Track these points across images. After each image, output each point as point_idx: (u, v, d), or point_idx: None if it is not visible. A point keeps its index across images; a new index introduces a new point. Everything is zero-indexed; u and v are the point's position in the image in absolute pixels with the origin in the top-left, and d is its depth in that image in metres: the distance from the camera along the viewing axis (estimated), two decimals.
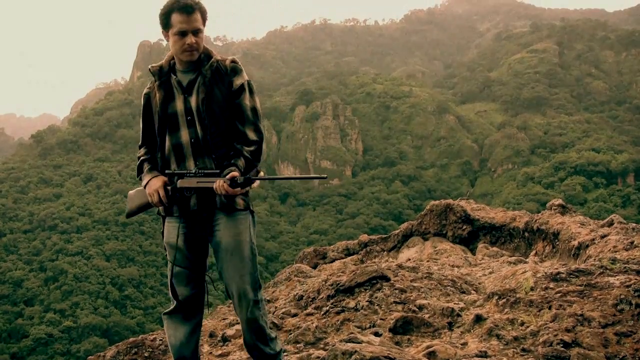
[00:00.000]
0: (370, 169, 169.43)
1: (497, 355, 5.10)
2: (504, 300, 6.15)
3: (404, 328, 6.12)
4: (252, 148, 4.53)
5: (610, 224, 9.27)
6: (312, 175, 4.69)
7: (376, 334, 6.13)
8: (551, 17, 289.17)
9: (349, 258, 14.17)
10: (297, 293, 8.16)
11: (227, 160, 4.49)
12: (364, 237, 15.44)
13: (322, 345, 6.13)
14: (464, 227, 13.43)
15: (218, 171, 4.42)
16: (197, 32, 4.42)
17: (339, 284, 7.48)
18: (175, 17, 4.37)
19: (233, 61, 4.61)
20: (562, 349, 4.82)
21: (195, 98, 4.49)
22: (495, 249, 11.75)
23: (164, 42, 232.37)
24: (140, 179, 4.72)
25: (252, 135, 4.56)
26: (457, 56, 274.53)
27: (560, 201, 11.81)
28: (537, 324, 5.46)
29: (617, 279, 5.85)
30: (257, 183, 4.55)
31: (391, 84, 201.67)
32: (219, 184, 4.31)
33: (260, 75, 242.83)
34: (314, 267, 13.47)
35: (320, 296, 7.49)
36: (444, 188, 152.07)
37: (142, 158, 4.77)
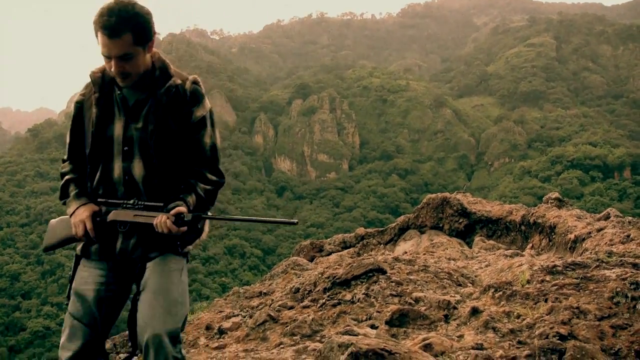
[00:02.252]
0: (367, 162, 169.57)
1: (493, 347, 5.10)
2: (500, 293, 6.15)
3: (400, 321, 6.12)
4: (208, 187, 3.78)
5: (607, 217, 9.29)
6: (278, 220, 3.76)
7: (372, 327, 6.12)
8: (548, 11, 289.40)
9: (346, 251, 14.17)
10: (293, 286, 8.16)
11: (174, 195, 3.73)
12: (361, 230, 15.45)
13: (318, 338, 6.13)
14: (461, 220, 13.43)
15: (162, 204, 3.65)
16: (123, 58, 3.52)
17: (335, 276, 7.48)
18: (99, 37, 3.50)
19: (194, 82, 3.87)
20: (558, 341, 4.82)
21: (142, 127, 3.67)
22: (491, 242, 11.75)
23: (161, 36, 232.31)
24: (65, 204, 3.90)
25: (210, 176, 3.81)
26: (454, 50, 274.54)
27: (556, 195, 11.82)
28: (533, 317, 5.46)
29: (613, 272, 5.85)
30: (206, 229, 3.87)
31: (388, 77, 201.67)
32: (161, 220, 3.56)
33: (257, 69, 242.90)
34: (311, 260, 13.48)
35: (317, 289, 7.49)
36: (441, 181, 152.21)
37: (67, 177, 3.95)
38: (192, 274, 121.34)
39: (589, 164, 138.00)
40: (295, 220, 3.81)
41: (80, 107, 3.89)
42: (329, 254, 14.18)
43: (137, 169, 3.70)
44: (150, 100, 3.72)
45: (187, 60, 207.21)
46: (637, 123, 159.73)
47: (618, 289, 5.42)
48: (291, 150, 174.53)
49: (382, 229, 15.33)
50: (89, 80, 3.83)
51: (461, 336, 5.57)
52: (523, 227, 11.71)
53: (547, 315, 5.40)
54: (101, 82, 3.80)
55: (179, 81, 3.80)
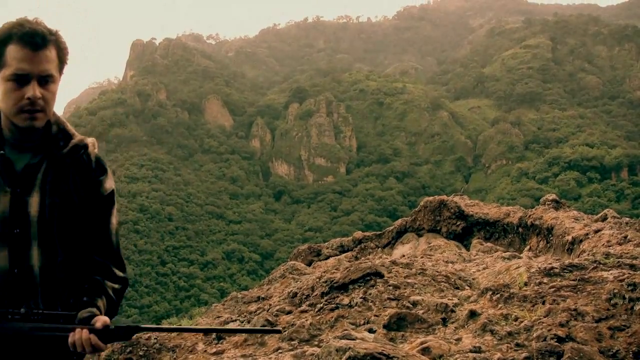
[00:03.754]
0: (364, 165, 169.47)
1: (491, 350, 5.11)
2: (498, 295, 6.16)
3: (398, 324, 6.12)
4: (116, 286, 2.96)
5: (604, 218, 9.30)
6: (255, 329, 2.76)
7: (370, 331, 6.13)
8: (544, 12, 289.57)
9: (344, 255, 14.19)
10: (291, 290, 8.16)
11: (75, 298, 2.86)
12: (358, 234, 15.47)
13: (316, 342, 6.13)
14: (458, 223, 13.45)
15: (73, 313, 2.74)
16: (47, 79, 2.72)
17: (333, 280, 7.48)
18: (13, 51, 2.67)
19: (92, 145, 3.03)
20: (556, 343, 4.82)
21: (38, 200, 2.79)
22: (489, 244, 11.77)
23: (157, 41, 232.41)
24: None
25: (118, 272, 3.00)
26: (450, 52, 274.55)
27: (554, 196, 11.84)
28: (531, 319, 5.46)
29: (611, 274, 5.86)
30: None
31: (384, 80, 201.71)
32: (82, 337, 2.67)
33: (253, 74, 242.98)
34: (309, 265, 13.49)
35: (315, 293, 7.49)
36: (438, 184, 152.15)
37: None
38: (190, 278, 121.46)
39: (586, 165, 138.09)
40: (280, 329, 3.03)
41: None
42: (327, 258, 14.20)
43: (35, 259, 2.78)
44: (46, 163, 2.84)
45: (183, 65, 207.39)
46: (633, 123, 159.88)
47: (615, 291, 5.42)
48: (288, 155, 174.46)
49: (379, 232, 15.36)
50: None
51: (459, 339, 5.57)
52: (520, 229, 11.73)
53: (544, 317, 5.40)
54: None
55: (80, 138, 2.97)
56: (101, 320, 2.71)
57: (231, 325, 7.17)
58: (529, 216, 11.38)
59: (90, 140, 3.02)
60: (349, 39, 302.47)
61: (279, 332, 3.21)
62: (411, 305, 6.64)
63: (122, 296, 3.03)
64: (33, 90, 2.67)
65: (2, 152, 2.79)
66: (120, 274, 3.00)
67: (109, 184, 3.03)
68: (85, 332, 2.67)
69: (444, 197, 14.50)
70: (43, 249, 2.79)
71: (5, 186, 2.76)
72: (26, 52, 2.66)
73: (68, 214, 2.83)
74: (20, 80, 2.68)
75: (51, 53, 2.73)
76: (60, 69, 2.81)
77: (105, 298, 2.88)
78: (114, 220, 3.04)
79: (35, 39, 2.68)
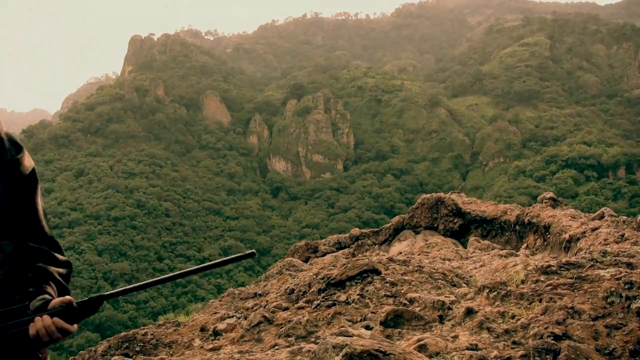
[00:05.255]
0: (361, 162, 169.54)
1: (488, 348, 5.10)
2: (495, 293, 6.15)
3: (394, 321, 6.12)
4: (62, 271, 2.76)
5: (601, 217, 9.30)
6: (232, 257, 2.64)
7: (367, 328, 6.12)
8: (542, 10, 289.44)
9: (341, 252, 14.18)
10: (288, 287, 8.16)
11: (20, 291, 2.64)
12: (356, 231, 15.46)
13: (313, 339, 6.12)
14: (455, 220, 13.45)
15: (26, 304, 2.53)
16: None
17: (330, 277, 7.48)
18: None
19: None
20: (553, 341, 4.82)
21: None
22: (486, 242, 11.76)
23: (155, 37, 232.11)
24: None
25: (59, 256, 2.78)
26: (448, 50, 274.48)
27: (551, 194, 11.84)
28: (527, 317, 5.46)
29: (608, 272, 5.85)
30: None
31: (382, 77, 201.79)
32: (44, 323, 2.46)
33: (251, 70, 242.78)
34: (306, 261, 13.48)
35: (312, 290, 7.49)
36: (436, 181, 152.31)
37: None
38: None
39: (583, 164, 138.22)
40: (253, 251, 2.72)
41: None
42: (324, 254, 14.19)
43: None
44: None
45: (181, 60, 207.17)
46: (631, 122, 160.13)
47: (612, 289, 5.42)
48: (286, 151, 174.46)
49: (377, 229, 15.36)
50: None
51: (456, 337, 5.57)
52: (518, 227, 11.73)
53: (541, 315, 5.40)
54: None
55: None
56: (58, 301, 2.51)
57: (228, 322, 7.17)
58: (526, 214, 11.38)
59: None
60: (347, 35, 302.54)
61: (253, 254, 2.55)
62: (408, 303, 6.64)
63: (69, 280, 2.82)
64: None
65: None
66: (61, 257, 2.77)
67: (28, 161, 2.78)
68: (46, 318, 2.45)
69: (442, 194, 14.51)
70: None
71: None
72: None
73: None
74: None
75: None
76: None
77: (54, 284, 2.67)
78: (40, 200, 2.80)
79: None
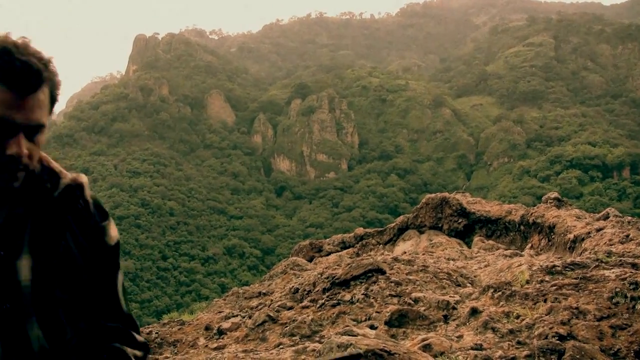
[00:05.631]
0: (366, 162, 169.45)
1: (493, 348, 5.10)
2: (500, 293, 6.15)
3: (399, 321, 6.12)
4: (139, 353, 2.38)
5: (606, 217, 9.29)
6: None
7: (372, 327, 6.12)
8: (547, 10, 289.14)
9: (345, 251, 14.18)
10: (292, 286, 8.16)
11: None
12: (360, 231, 15.46)
13: (317, 338, 6.13)
14: (460, 220, 13.44)
15: None
16: (36, 130, 2.07)
17: (334, 277, 7.48)
18: None
19: (81, 184, 2.31)
20: (557, 341, 4.82)
21: (29, 263, 2.07)
22: (491, 242, 11.76)
23: (160, 36, 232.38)
24: None
25: (137, 335, 2.41)
26: (453, 49, 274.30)
27: (556, 195, 11.83)
28: (532, 317, 5.45)
29: (613, 272, 5.85)
30: None
31: (387, 77, 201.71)
32: None
33: (256, 69, 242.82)
34: (310, 260, 13.48)
35: (316, 289, 7.49)
36: (440, 181, 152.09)
37: None
38: (191, 274, 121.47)
39: (588, 164, 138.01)
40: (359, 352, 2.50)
41: None
42: (328, 254, 14.19)
43: (36, 340, 2.06)
44: (32, 214, 2.15)
45: (185, 60, 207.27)
46: (636, 122, 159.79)
47: (617, 289, 5.42)
48: (290, 150, 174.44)
49: (381, 229, 15.36)
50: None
51: (460, 336, 5.57)
52: (522, 227, 11.72)
53: (546, 315, 5.40)
54: None
55: (76, 181, 2.29)
56: None
57: (232, 321, 7.17)
58: (531, 214, 11.37)
59: (83, 178, 2.31)
60: (352, 35, 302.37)
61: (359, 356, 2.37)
62: (413, 302, 6.64)
63: None
64: (18, 145, 1.99)
65: None
66: (139, 338, 2.40)
67: (114, 231, 2.35)
68: None
69: (446, 194, 14.50)
70: (45, 327, 2.09)
71: None
72: (12, 97, 1.96)
73: (69, 276, 2.16)
74: (2, 130, 1.97)
75: (44, 95, 2.04)
76: (51, 111, 2.13)
77: None
78: (121, 275, 2.41)
79: (26, 80, 1.98)
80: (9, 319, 2.02)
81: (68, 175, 2.26)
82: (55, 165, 2.26)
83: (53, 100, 2.10)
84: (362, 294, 6.95)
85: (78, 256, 2.19)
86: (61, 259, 2.14)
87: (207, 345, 6.63)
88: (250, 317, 7.26)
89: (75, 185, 2.25)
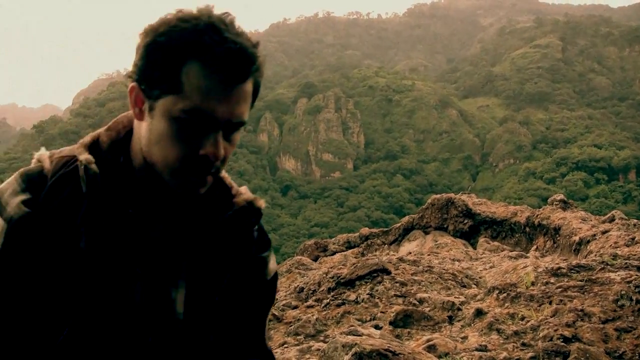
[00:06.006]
0: (371, 162, 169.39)
1: (497, 349, 5.11)
2: (505, 294, 6.15)
3: (404, 321, 6.12)
4: None
5: (612, 220, 9.28)
6: None
7: (376, 327, 6.13)
8: (555, 12, 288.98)
9: (350, 251, 14.18)
10: (297, 285, 8.17)
11: None
12: (365, 231, 15.46)
13: (322, 338, 6.13)
14: (465, 221, 13.43)
15: None
16: (237, 128, 1.63)
17: (339, 276, 7.49)
18: (196, 76, 1.52)
19: (258, 210, 1.91)
20: (562, 344, 4.82)
21: (184, 292, 1.70)
22: (496, 243, 11.76)
23: None
24: None
25: None
26: (460, 50, 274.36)
27: (561, 197, 11.83)
28: (537, 319, 5.46)
29: (618, 275, 5.85)
30: None
31: (393, 77, 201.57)
32: None
33: None
34: (315, 260, 13.48)
35: (321, 289, 7.50)
36: (446, 182, 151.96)
37: None
38: None
39: (594, 166, 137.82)
40: None
41: (27, 233, 1.63)
42: (333, 253, 14.19)
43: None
44: (196, 235, 1.75)
45: None
46: None
47: (623, 292, 5.42)
48: (296, 150, 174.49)
49: (386, 229, 15.35)
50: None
51: (465, 337, 5.57)
52: (527, 229, 11.71)
53: (551, 317, 5.40)
54: (93, 183, 1.63)
55: (255, 204, 1.90)
56: None
57: None
58: (537, 216, 11.37)
59: (261, 203, 1.91)
60: (359, 35, 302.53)
61: None
62: (418, 303, 6.65)
63: None
64: (216, 145, 1.57)
65: (130, 210, 1.64)
66: None
67: (273, 263, 2.02)
68: None
69: (452, 195, 14.50)
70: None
71: (135, 268, 1.63)
72: (217, 84, 1.53)
73: (226, 310, 1.81)
74: (199, 123, 1.54)
75: (249, 88, 1.63)
76: (252, 106, 1.70)
77: None
78: (270, 313, 2.05)
79: (237, 66, 1.56)
80: (150, 356, 1.64)
81: (242, 195, 1.86)
82: (228, 177, 1.86)
83: (256, 92, 1.70)
84: (367, 294, 6.96)
85: (236, 288, 1.83)
86: (221, 291, 1.78)
87: None
88: None
89: (252, 209, 1.87)
